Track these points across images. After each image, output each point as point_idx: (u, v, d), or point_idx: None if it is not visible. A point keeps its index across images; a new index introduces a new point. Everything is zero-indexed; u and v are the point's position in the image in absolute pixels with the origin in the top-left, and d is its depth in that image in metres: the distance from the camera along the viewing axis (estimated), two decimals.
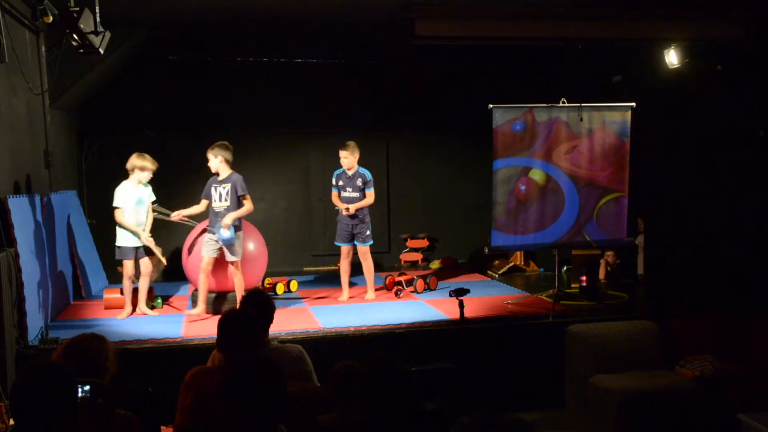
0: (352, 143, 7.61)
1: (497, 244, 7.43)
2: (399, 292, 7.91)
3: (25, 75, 6.48)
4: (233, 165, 7.08)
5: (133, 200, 6.90)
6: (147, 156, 6.95)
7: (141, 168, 6.88)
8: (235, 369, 2.77)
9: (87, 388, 2.86)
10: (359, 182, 7.58)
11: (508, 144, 7.30)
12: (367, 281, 7.78)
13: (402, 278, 8.21)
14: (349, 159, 7.55)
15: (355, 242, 7.65)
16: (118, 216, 6.83)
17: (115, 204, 6.85)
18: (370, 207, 7.68)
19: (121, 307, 7.10)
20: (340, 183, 7.66)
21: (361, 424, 2.92)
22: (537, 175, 7.39)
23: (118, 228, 6.91)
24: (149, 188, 7.07)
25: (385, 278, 8.42)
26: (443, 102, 10.38)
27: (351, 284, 7.90)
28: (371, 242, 7.71)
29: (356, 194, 7.58)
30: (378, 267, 9.16)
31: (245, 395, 2.64)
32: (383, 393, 2.81)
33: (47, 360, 2.76)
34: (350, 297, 7.77)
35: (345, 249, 7.69)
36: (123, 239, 6.90)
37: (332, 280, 9.21)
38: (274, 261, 8.23)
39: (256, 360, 2.84)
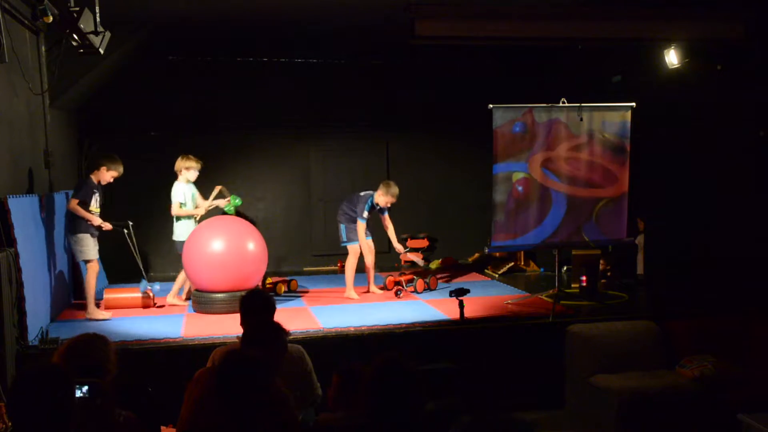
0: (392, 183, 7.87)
1: (497, 244, 7.43)
2: (399, 292, 7.91)
3: (25, 75, 6.48)
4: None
5: (189, 196, 7.45)
6: (190, 156, 7.46)
7: (187, 168, 7.43)
8: (220, 364, 2.99)
9: (86, 388, 2.85)
10: (378, 208, 7.92)
11: (507, 145, 7.30)
12: (369, 277, 8.07)
13: (402, 278, 8.22)
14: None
15: (368, 238, 7.92)
16: (181, 210, 7.38)
17: (179, 200, 7.39)
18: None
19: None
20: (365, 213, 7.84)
21: (365, 424, 2.93)
22: (536, 176, 7.38)
23: (178, 223, 7.43)
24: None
25: (386, 278, 8.43)
26: (443, 102, 10.38)
27: (353, 284, 7.94)
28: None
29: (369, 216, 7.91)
30: (378, 267, 9.16)
31: (228, 388, 2.88)
32: (391, 393, 2.82)
33: (43, 362, 2.76)
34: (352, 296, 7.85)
35: (357, 248, 7.85)
36: (183, 233, 7.34)
37: (332, 280, 9.22)
38: (274, 261, 8.24)
39: (238, 357, 2.99)
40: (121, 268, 8.29)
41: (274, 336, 3.80)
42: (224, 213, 7.64)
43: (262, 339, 3.71)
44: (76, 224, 6.75)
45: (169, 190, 7.48)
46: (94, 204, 6.86)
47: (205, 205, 7.53)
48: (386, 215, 7.96)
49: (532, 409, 6.19)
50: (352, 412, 3.52)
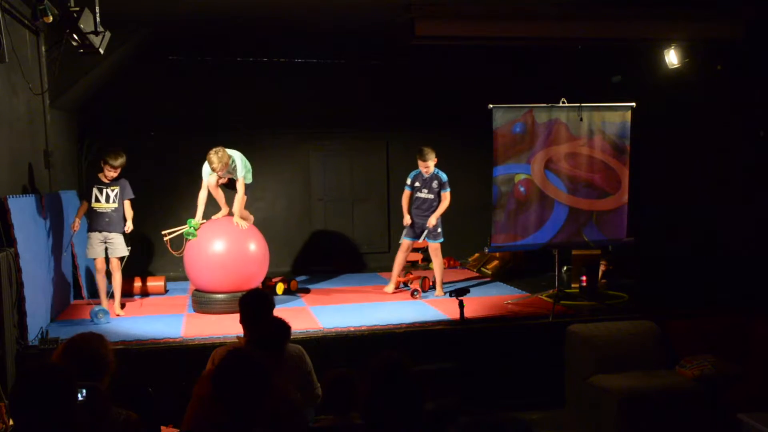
0: (430, 149, 7.85)
1: (497, 245, 7.43)
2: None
3: (25, 75, 6.47)
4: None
5: (206, 180, 7.51)
6: (211, 150, 7.29)
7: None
8: (219, 364, 2.99)
9: (84, 392, 2.85)
10: (435, 184, 7.89)
11: (508, 146, 7.29)
12: (437, 278, 7.99)
13: (408, 278, 8.23)
14: (431, 165, 7.82)
15: (427, 239, 7.91)
16: (202, 190, 7.54)
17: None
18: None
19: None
20: (416, 184, 7.96)
21: (361, 427, 2.93)
22: (537, 176, 7.38)
23: None
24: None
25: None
26: (443, 102, 10.36)
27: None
28: (442, 239, 7.99)
29: (431, 196, 7.92)
30: (379, 267, 9.17)
31: (227, 388, 2.88)
32: (390, 393, 2.82)
33: (46, 362, 2.76)
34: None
35: (408, 243, 7.99)
36: None
37: (332, 280, 9.22)
38: (274, 261, 8.23)
39: (238, 357, 2.99)
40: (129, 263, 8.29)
41: (283, 336, 3.87)
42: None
43: (268, 339, 3.77)
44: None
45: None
46: (100, 200, 7.02)
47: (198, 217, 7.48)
48: (445, 193, 7.92)
49: (532, 409, 6.19)
50: (348, 416, 3.53)
